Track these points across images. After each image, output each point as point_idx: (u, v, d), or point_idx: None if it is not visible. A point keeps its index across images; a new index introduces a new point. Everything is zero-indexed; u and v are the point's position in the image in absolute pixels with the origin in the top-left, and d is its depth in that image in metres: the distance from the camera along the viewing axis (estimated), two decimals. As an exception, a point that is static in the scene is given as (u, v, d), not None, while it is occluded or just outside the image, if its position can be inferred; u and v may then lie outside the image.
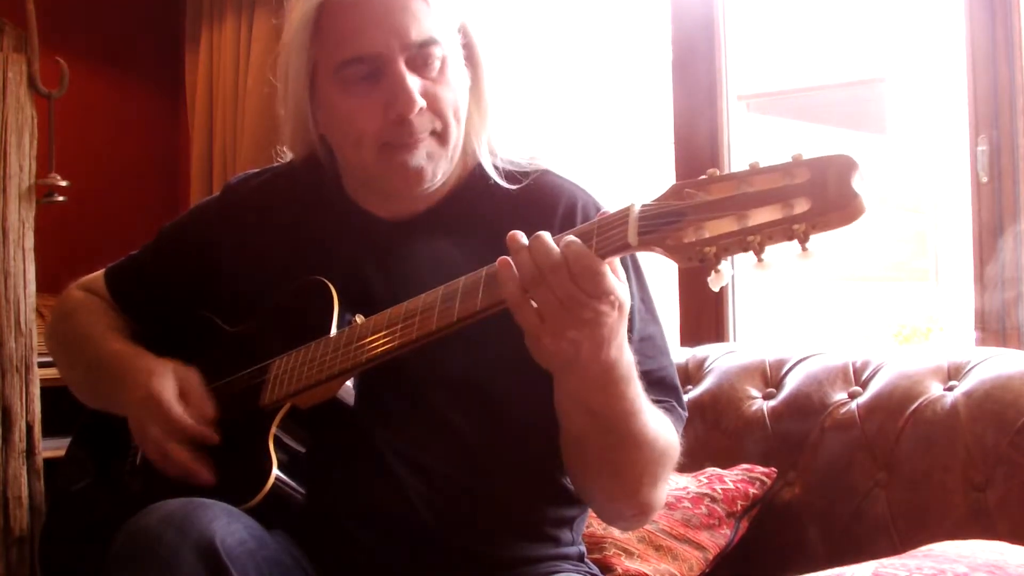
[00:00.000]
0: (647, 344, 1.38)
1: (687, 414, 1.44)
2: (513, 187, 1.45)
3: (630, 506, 1.36)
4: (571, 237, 1.14)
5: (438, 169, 1.40)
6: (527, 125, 2.95)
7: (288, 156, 1.55)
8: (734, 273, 1.07)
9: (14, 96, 2.41)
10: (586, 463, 1.32)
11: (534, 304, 1.14)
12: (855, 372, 1.84)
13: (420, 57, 1.37)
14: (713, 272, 1.05)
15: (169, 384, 1.42)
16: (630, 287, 1.37)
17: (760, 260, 1.02)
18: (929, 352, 1.82)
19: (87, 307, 1.66)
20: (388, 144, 1.37)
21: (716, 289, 1.06)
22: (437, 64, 1.38)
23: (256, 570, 1.22)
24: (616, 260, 1.16)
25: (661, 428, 1.30)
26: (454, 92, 1.39)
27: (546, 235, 1.15)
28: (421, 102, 1.35)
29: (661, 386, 1.38)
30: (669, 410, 1.37)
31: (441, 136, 1.39)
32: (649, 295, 1.45)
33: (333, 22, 1.37)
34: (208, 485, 1.36)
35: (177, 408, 1.40)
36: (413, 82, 1.35)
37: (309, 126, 1.44)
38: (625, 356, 1.20)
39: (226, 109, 3.16)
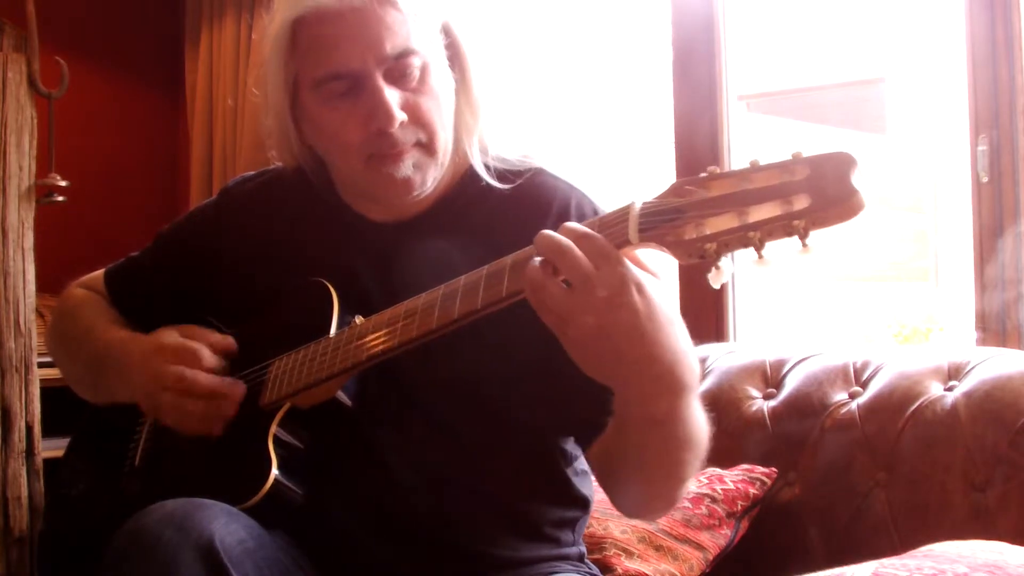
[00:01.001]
0: None
1: None
2: (506, 187, 1.44)
3: (666, 502, 1.33)
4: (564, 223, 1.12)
5: (427, 178, 1.40)
6: (527, 125, 2.95)
7: None
8: (734, 271, 1.07)
9: (14, 96, 2.41)
10: (640, 470, 1.26)
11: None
12: (855, 372, 1.84)
13: (398, 69, 1.35)
14: (713, 269, 1.05)
15: (172, 332, 1.44)
16: None
17: (760, 257, 1.02)
18: (929, 352, 1.82)
19: (88, 304, 1.66)
20: (374, 156, 1.37)
21: (716, 286, 1.06)
22: (416, 74, 1.36)
23: (255, 570, 1.22)
24: (636, 254, 1.14)
25: (703, 423, 1.25)
26: (437, 100, 1.38)
27: (544, 230, 1.12)
28: (401, 115, 1.34)
29: None
30: None
31: (427, 147, 1.38)
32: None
33: (309, 38, 1.36)
34: (239, 401, 1.37)
35: (189, 341, 1.41)
36: (392, 95, 1.34)
37: (293, 138, 1.44)
38: (685, 358, 1.15)
39: (226, 109, 3.16)
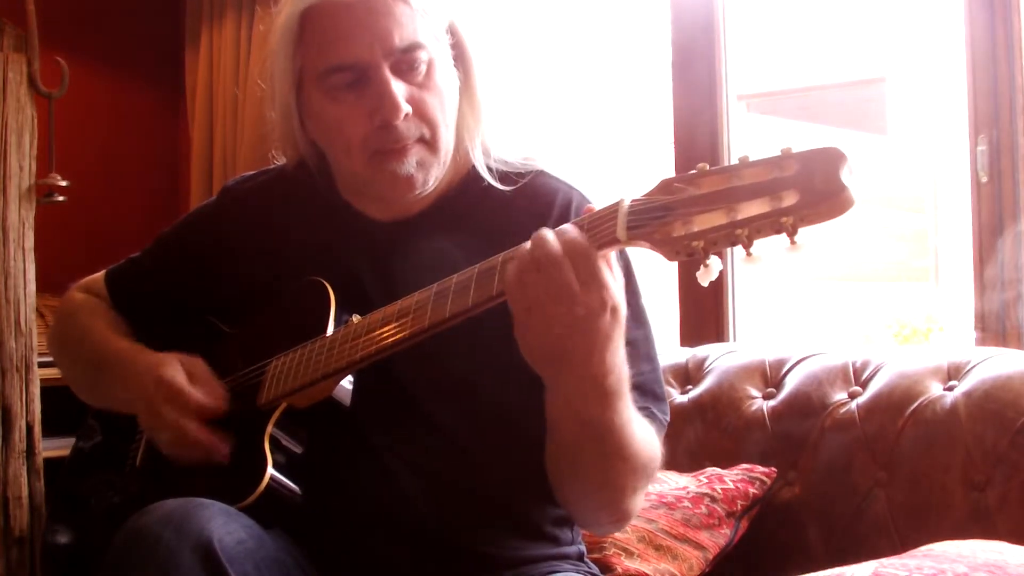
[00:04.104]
0: (626, 349, 1.36)
1: (668, 419, 1.42)
2: (508, 188, 1.44)
3: (610, 514, 1.36)
4: (566, 226, 1.14)
5: (429, 176, 1.40)
6: (527, 125, 2.95)
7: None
8: (726, 270, 1.07)
9: (14, 96, 2.41)
10: (574, 473, 1.31)
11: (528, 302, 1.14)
12: (855, 372, 1.84)
13: (405, 62, 1.36)
14: (702, 266, 1.05)
15: (178, 370, 1.43)
16: None
17: (749, 254, 1.02)
18: (929, 352, 1.82)
19: (88, 308, 1.66)
20: (377, 152, 1.37)
21: (705, 284, 1.05)
22: (423, 68, 1.37)
23: (254, 570, 1.22)
24: (613, 260, 1.16)
25: (647, 438, 1.30)
26: (441, 97, 1.38)
27: (546, 230, 1.15)
28: (406, 108, 1.34)
29: (639, 392, 1.35)
30: (649, 417, 1.35)
31: (430, 143, 1.38)
32: (639, 300, 1.43)
33: (316, 29, 1.36)
34: (227, 459, 1.37)
35: (189, 388, 1.40)
36: (398, 88, 1.34)
37: (297, 131, 1.44)
38: (619, 368, 1.19)
39: (226, 109, 3.16)
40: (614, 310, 1.14)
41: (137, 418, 1.47)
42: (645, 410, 1.36)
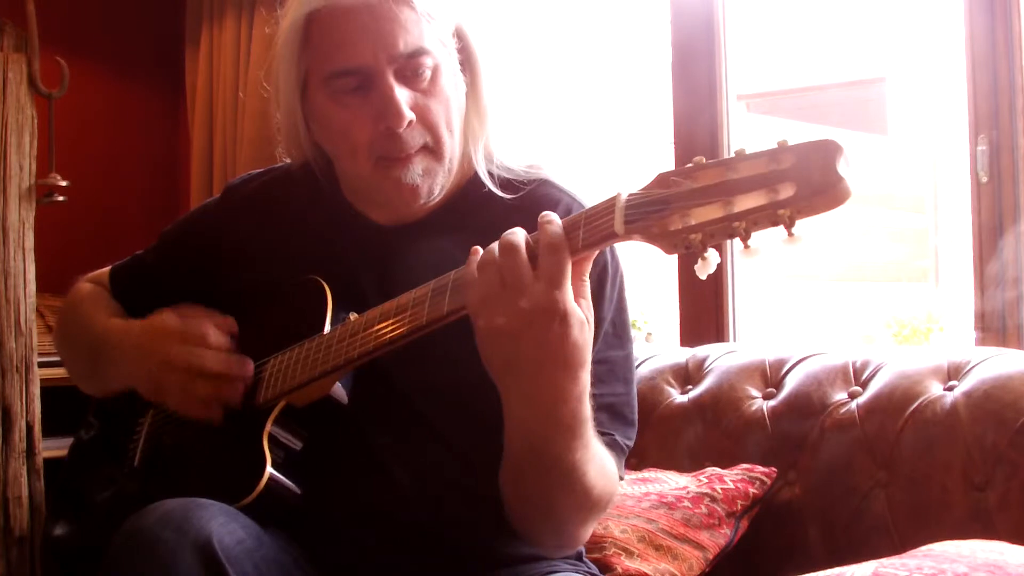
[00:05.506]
0: (602, 367, 1.34)
1: (632, 443, 1.39)
2: (510, 196, 1.44)
3: (552, 538, 1.36)
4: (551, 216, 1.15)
5: (435, 185, 1.39)
6: (527, 126, 2.95)
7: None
8: (722, 263, 1.07)
9: (14, 96, 2.41)
10: (518, 490, 1.29)
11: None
12: (855, 372, 1.84)
13: (410, 68, 1.35)
14: (700, 259, 1.05)
15: (172, 314, 1.44)
16: (605, 306, 1.36)
17: (747, 246, 1.02)
18: (929, 352, 1.82)
19: (93, 297, 1.67)
20: (382, 158, 1.37)
21: (703, 277, 1.06)
22: (428, 74, 1.36)
23: (254, 569, 1.22)
24: (586, 280, 1.16)
25: (600, 478, 1.27)
26: (446, 103, 1.38)
27: (518, 229, 1.15)
28: (410, 115, 1.34)
29: (608, 413, 1.35)
30: (610, 445, 1.32)
31: (434, 151, 1.38)
32: (624, 318, 1.42)
33: (322, 33, 1.36)
34: (248, 376, 1.38)
35: (193, 321, 1.41)
36: (402, 94, 1.34)
37: (302, 134, 1.44)
38: (575, 401, 1.17)
39: (226, 109, 3.16)
40: (563, 319, 1.11)
41: (136, 391, 1.47)
42: (609, 436, 1.34)
